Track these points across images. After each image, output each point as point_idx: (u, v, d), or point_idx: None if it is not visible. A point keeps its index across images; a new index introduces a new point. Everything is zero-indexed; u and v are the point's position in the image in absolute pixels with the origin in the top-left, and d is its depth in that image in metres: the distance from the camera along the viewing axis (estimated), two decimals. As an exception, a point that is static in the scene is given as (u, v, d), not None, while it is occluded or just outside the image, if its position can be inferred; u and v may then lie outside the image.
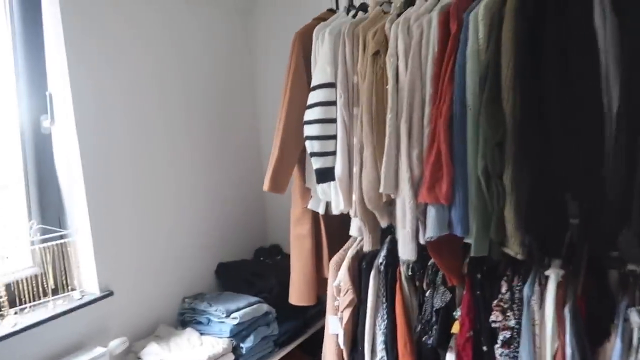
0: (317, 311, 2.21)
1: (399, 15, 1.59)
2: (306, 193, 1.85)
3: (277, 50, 2.42)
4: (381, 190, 1.51)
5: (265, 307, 2.05)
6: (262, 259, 2.50)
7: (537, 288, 1.47)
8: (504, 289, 1.52)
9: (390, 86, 1.52)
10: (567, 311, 1.40)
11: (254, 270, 2.30)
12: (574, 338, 1.38)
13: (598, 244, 1.36)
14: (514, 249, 1.36)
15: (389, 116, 1.50)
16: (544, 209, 1.31)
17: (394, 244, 1.70)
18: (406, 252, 1.50)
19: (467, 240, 1.43)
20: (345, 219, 1.82)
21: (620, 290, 1.47)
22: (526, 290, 1.48)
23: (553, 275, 1.43)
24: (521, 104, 1.29)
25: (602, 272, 1.50)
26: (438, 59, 1.44)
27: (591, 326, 1.41)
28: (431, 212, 1.44)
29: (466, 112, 1.37)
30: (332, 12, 1.87)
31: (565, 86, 1.25)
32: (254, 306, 2.01)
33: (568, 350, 1.38)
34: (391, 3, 1.72)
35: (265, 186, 1.74)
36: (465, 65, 1.38)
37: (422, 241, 1.50)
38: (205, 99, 2.29)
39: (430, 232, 1.44)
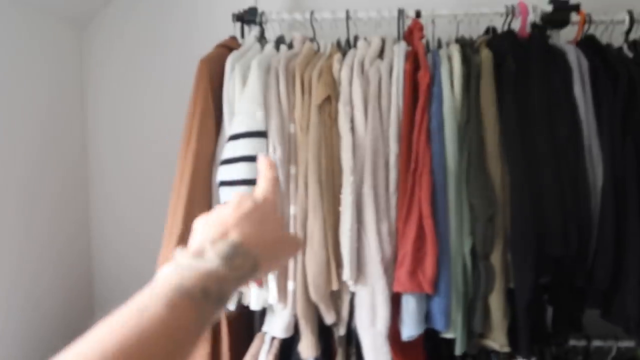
0: None
1: (343, 55, 1.30)
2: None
3: (116, 77, 1.82)
4: (345, 277, 1.14)
5: None
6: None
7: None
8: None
9: (346, 142, 1.19)
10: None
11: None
12: None
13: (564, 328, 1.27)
14: (499, 341, 1.16)
15: (349, 180, 1.17)
16: (534, 293, 1.15)
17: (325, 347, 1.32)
18: (380, 359, 1.15)
19: (447, 336, 1.16)
20: (250, 313, 1.36)
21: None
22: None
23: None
24: (511, 175, 1.14)
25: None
26: (406, 114, 1.20)
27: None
28: (410, 303, 1.14)
29: (447, 181, 1.15)
30: (235, 40, 1.45)
31: (555, 157, 1.15)
32: None
33: None
34: (314, 41, 1.42)
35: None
36: (443, 125, 1.17)
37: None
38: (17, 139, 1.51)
39: (411, 329, 1.13)
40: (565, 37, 1.36)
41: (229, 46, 1.39)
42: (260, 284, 1.23)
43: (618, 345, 1.36)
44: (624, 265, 1.13)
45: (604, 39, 1.34)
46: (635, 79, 1.17)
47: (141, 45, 1.80)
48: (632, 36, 1.33)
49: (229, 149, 1.20)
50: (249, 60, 1.27)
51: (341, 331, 1.25)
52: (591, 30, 1.35)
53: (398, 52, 1.26)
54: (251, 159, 1.19)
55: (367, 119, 1.20)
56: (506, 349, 1.16)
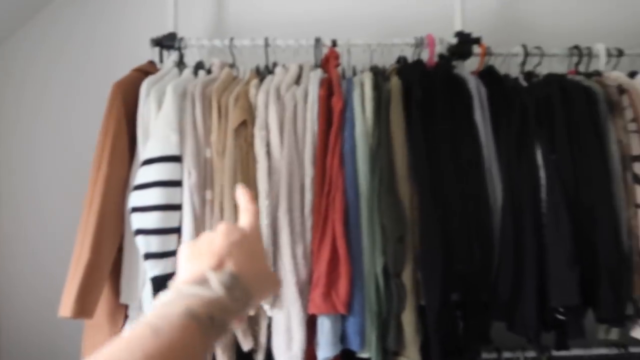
0: None
1: (261, 81, 1.33)
2: (118, 314, 1.25)
3: (32, 97, 1.75)
4: (261, 302, 1.13)
5: None
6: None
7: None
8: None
9: (262, 166, 1.21)
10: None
11: None
12: None
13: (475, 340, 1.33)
14: (412, 357, 1.20)
15: (265, 203, 1.18)
16: (446, 307, 1.20)
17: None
18: (296, 382, 1.14)
19: (363, 355, 1.18)
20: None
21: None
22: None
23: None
24: (420, 196, 1.20)
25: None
26: (321, 138, 1.23)
27: None
28: (325, 325, 1.16)
29: (360, 202, 1.19)
30: (153, 64, 1.44)
31: (459, 178, 1.22)
32: None
33: None
34: (233, 67, 1.44)
35: (66, 310, 1.08)
36: (355, 148, 1.21)
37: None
38: None
39: (327, 351, 1.14)
40: (470, 68, 1.46)
41: (146, 70, 1.38)
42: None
43: (525, 356, 1.44)
44: (523, 278, 1.20)
45: (502, 70, 1.46)
46: (527, 106, 1.27)
47: (60, 64, 1.74)
48: (527, 67, 1.46)
49: (142, 174, 1.18)
50: (165, 84, 1.27)
51: (260, 357, 1.24)
52: (491, 62, 1.46)
53: (313, 79, 1.30)
54: (164, 184, 1.18)
55: (283, 143, 1.23)
56: (420, 365, 1.20)
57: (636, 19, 1.75)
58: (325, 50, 1.44)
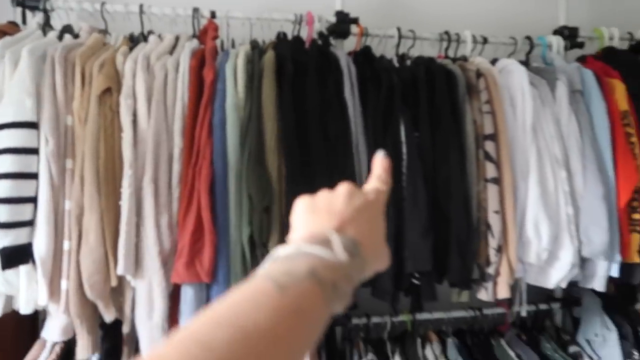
0: None
1: (131, 49, 1.29)
2: None
3: None
4: (120, 272, 1.12)
5: None
6: None
7: None
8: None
9: (127, 135, 1.18)
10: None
11: None
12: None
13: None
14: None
15: (128, 173, 1.15)
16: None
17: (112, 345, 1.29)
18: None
19: (229, 323, 1.21)
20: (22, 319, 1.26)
21: (347, 344, 1.56)
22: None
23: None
24: (288, 168, 1.23)
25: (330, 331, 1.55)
26: (191, 109, 1.22)
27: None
28: (188, 293, 1.16)
29: (228, 173, 1.20)
30: (15, 25, 1.35)
31: (327, 152, 1.27)
32: None
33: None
34: (106, 33, 1.38)
35: None
36: (225, 119, 1.22)
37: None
38: None
39: (188, 319, 1.15)
40: (349, 47, 1.51)
41: (5, 31, 1.29)
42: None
43: (392, 320, 1.54)
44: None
45: (380, 51, 1.52)
46: (394, 86, 1.34)
47: None
48: (403, 49, 1.53)
49: (-8, 140, 1.11)
50: (23, 46, 1.19)
51: (125, 329, 1.22)
52: (370, 42, 1.52)
53: (186, 49, 1.28)
54: (17, 151, 1.12)
55: (151, 113, 1.20)
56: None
57: (503, 9, 1.89)
58: (204, 22, 1.42)
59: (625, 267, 1.49)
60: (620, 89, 1.47)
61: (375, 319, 1.53)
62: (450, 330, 1.59)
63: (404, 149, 1.31)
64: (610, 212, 1.39)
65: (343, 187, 0.46)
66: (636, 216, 1.43)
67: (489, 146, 1.35)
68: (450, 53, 1.57)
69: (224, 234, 1.19)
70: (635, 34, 1.69)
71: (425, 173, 1.31)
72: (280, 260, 0.37)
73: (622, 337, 1.54)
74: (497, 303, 1.63)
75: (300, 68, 1.30)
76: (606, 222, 1.36)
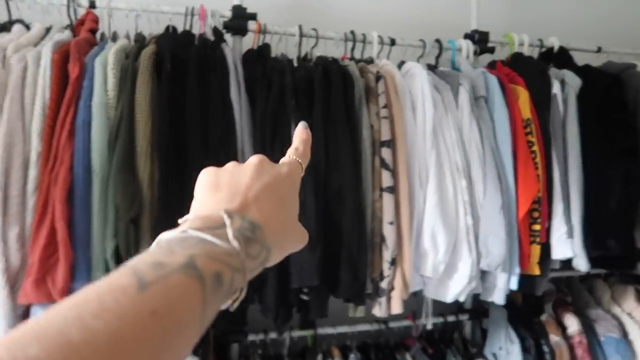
0: None
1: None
2: None
3: None
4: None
5: None
6: None
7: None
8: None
9: (-29, 136, 1.04)
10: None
11: None
12: None
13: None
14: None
15: (-31, 179, 1.02)
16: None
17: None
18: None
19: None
20: None
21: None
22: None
23: None
24: (160, 174, 1.12)
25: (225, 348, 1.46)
26: (52, 108, 1.10)
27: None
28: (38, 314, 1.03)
29: (91, 180, 1.08)
30: None
31: (207, 157, 1.17)
32: None
33: None
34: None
35: None
36: (90, 120, 1.10)
37: None
38: None
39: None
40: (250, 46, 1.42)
41: None
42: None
43: (292, 336, 1.45)
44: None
45: (280, 50, 1.43)
46: (286, 87, 1.25)
47: None
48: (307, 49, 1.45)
49: None
50: None
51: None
52: (270, 40, 1.43)
53: (52, 41, 1.15)
54: None
55: (3, 111, 1.07)
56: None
57: (418, 12, 1.85)
58: (82, 12, 1.29)
59: (527, 279, 1.47)
60: (523, 96, 1.44)
61: (273, 335, 1.44)
62: (354, 345, 1.53)
63: (294, 155, 1.22)
64: (509, 222, 1.36)
65: (253, 159, 0.41)
66: (537, 227, 1.40)
67: (386, 153, 1.29)
68: (358, 54, 1.50)
69: (84, 248, 1.07)
70: (546, 41, 1.68)
71: (317, 181, 1.23)
72: (160, 246, 0.32)
73: (525, 350, 1.51)
74: (405, 316, 1.58)
75: (182, 65, 1.20)
76: (504, 233, 1.32)
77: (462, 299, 1.36)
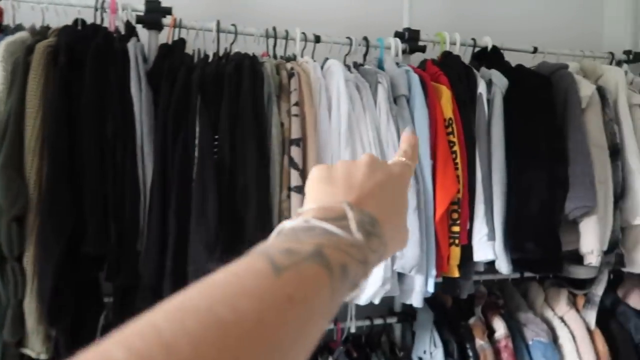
0: None
1: None
2: None
3: None
4: None
5: None
6: None
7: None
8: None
9: None
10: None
11: None
12: None
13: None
14: (35, 348, 1.09)
15: None
16: (73, 295, 1.11)
17: None
18: None
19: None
20: None
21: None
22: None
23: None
24: (49, 171, 1.08)
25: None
26: None
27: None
28: None
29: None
30: None
31: (102, 154, 1.13)
32: None
33: None
34: None
35: None
36: (-26, 115, 1.06)
37: None
38: None
39: None
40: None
41: None
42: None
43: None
44: (166, 262, 1.16)
45: (198, 45, 1.40)
46: (191, 84, 1.22)
47: None
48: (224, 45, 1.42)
49: None
50: None
51: None
52: (186, 36, 1.39)
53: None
54: None
55: None
56: (43, 356, 1.10)
57: (350, 10, 1.82)
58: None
59: (449, 282, 1.44)
60: (446, 96, 1.41)
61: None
62: (275, 348, 1.49)
63: (197, 153, 1.19)
64: (426, 224, 1.33)
65: (365, 157, 0.42)
66: (456, 229, 1.38)
67: (295, 152, 1.25)
68: (284, 51, 1.47)
69: (-37, 246, 1.03)
70: (479, 41, 1.65)
71: (221, 180, 1.19)
72: (284, 234, 0.32)
73: (448, 354, 1.48)
74: (330, 317, 1.54)
75: (81, 59, 1.16)
76: (418, 235, 1.29)
77: (376, 301, 1.33)
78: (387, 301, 1.61)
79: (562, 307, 1.67)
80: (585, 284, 1.71)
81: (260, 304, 0.24)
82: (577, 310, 1.68)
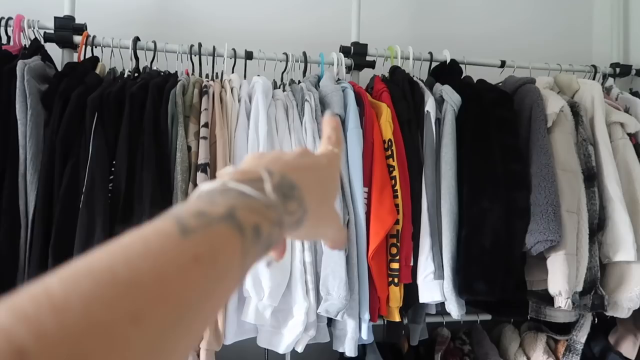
0: None
1: None
2: None
3: None
4: None
5: None
6: None
7: None
8: None
9: None
10: None
11: None
12: None
13: None
14: None
15: None
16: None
17: None
18: None
19: None
20: None
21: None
22: None
23: None
24: None
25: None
26: None
27: None
28: None
29: None
30: None
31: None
32: None
33: None
34: None
35: None
36: None
37: None
38: None
39: None
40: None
41: None
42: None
43: None
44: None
45: (115, 63, 1.30)
46: (86, 104, 1.10)
47: None
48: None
49: None
50: None
51: None
52: (101, 54, 1.29)
53: None
54: None
55: None
56: None
57: (297, 26, 1.69)
58: None
59: (394, 326, 1.26)
60: (386, 115, 1.25)
61: None
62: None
63: (86, 180, 1.07)
64: (359, 260, 1.16)
65: (298, 148, 0.43)
66: (395, 265, 1.20)
67: (201, 178, 1.11)
68: (207, 69, 1.35)
69: None
70: (438, 55, 1.49)
71: (115, 213, 1.06)
72: (200, 197, 0.31)
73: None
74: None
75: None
76: (344, 273, 1.12)
77: (299, 349, 1.16)
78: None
79: (539, 355, 1.45)
80: (570, 328, 1.49)
81: (162, 263, 0.23)
82: (557, 359, 1.46)
